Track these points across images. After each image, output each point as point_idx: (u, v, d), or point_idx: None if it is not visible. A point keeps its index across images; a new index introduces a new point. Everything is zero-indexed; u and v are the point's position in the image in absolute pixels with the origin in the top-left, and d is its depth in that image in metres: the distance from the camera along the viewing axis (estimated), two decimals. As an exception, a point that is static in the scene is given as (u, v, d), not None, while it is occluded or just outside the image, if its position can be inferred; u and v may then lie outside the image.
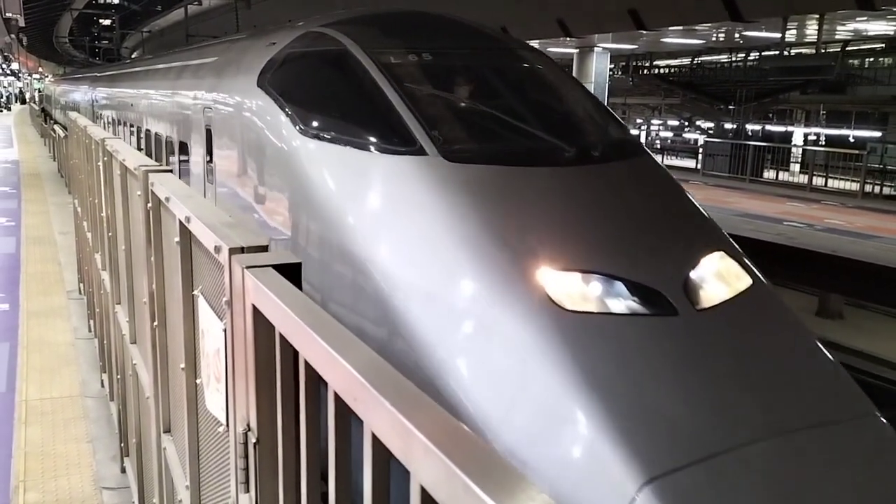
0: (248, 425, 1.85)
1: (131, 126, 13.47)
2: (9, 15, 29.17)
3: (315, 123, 5.16)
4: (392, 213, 4.49)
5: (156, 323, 3.53)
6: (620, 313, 3.71)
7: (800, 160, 32.04)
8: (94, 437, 6.50)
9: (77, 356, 8.34)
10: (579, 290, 3.77)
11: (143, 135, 12.08)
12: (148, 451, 4.27)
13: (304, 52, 6.04)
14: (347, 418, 1.31)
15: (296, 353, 1.53)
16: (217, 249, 2.12)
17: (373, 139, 4.82)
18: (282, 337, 1.60)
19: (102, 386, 7.41)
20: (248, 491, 1.90)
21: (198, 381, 2.71)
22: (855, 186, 24.78)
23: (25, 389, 7.40)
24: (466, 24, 6.58)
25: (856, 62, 35.24)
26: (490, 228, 4.08)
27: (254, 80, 5.91)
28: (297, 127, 5.14)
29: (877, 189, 24.87)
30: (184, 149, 8.67)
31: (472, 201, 4.23)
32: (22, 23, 30.57)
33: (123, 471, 5.82)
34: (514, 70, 6.16)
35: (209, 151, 7.16)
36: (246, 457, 1.86)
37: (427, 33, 6.21)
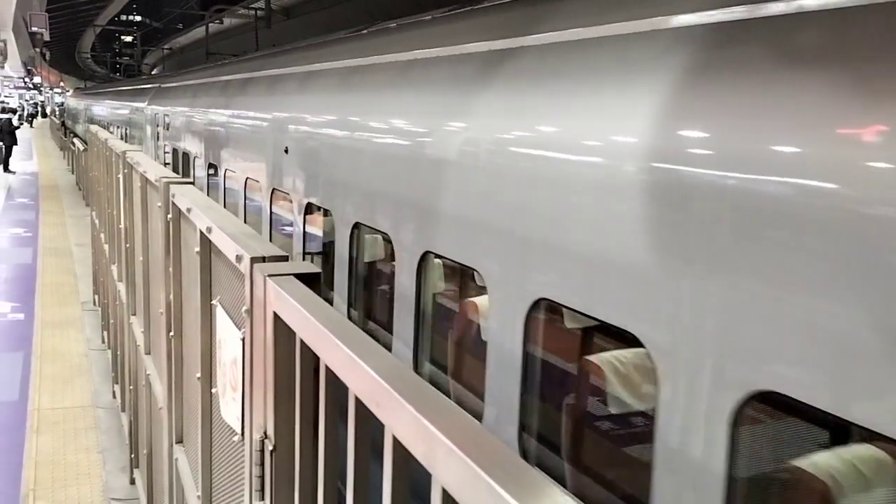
0: (265, 433, 1.86)
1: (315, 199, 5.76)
2: (35, 29, 29.74)
3: None
4: None
5: (172, 333, 3.55)
6: None
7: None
8: (105, 448, 6.52)
9: (90, 367, 8.40)
10: None
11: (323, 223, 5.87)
12: (159, 461, 4.28)
13: None
14: (368, 423, 1.32)
15: (317, 360, 1.54)
16: (238, 259, 2.14)
17: None
18: (303, 343, 1.61)
19: (114, 397, 7.45)
20: (263, 499, 1.90)
21: (213, 391, 2.73)
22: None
23: (38, 399, 7.45)
24: None
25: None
26: None
27: None
28: None
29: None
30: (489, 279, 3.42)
31: None
32: (47, 37, 31.12)
33: (133, 482, 5.84)
34: None
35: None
36: (262, 464, 1.86)
37: None
